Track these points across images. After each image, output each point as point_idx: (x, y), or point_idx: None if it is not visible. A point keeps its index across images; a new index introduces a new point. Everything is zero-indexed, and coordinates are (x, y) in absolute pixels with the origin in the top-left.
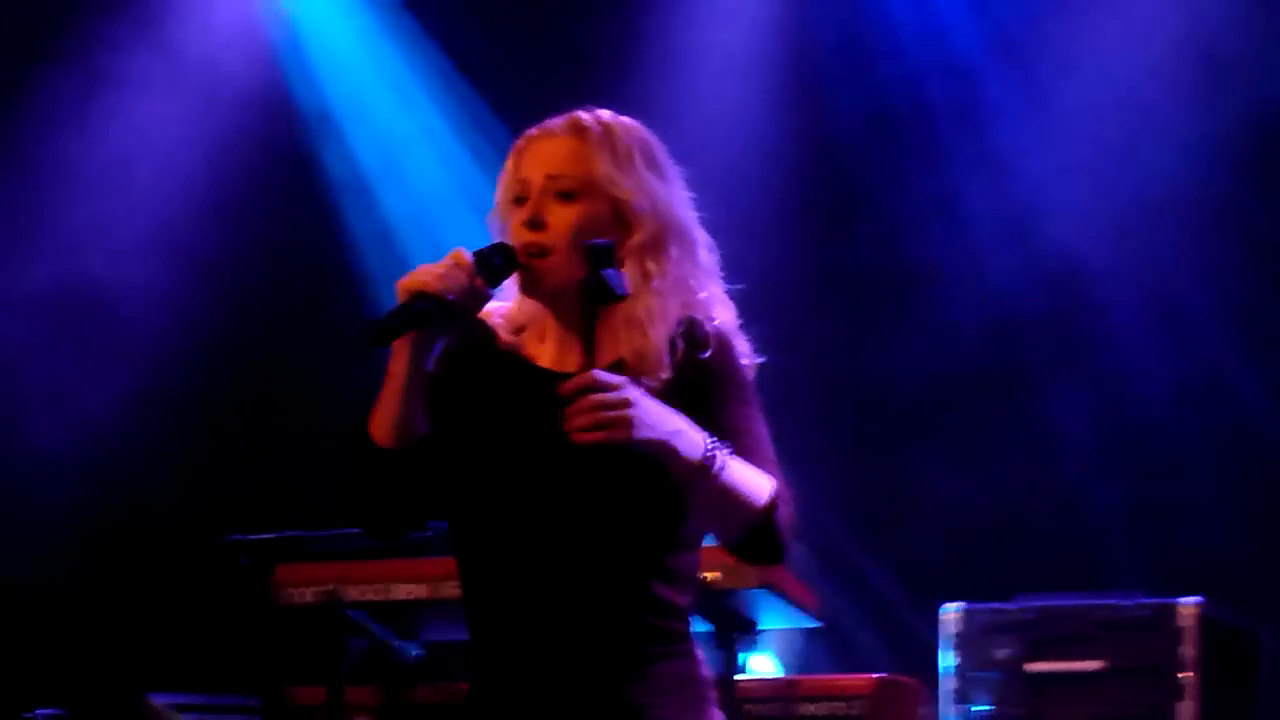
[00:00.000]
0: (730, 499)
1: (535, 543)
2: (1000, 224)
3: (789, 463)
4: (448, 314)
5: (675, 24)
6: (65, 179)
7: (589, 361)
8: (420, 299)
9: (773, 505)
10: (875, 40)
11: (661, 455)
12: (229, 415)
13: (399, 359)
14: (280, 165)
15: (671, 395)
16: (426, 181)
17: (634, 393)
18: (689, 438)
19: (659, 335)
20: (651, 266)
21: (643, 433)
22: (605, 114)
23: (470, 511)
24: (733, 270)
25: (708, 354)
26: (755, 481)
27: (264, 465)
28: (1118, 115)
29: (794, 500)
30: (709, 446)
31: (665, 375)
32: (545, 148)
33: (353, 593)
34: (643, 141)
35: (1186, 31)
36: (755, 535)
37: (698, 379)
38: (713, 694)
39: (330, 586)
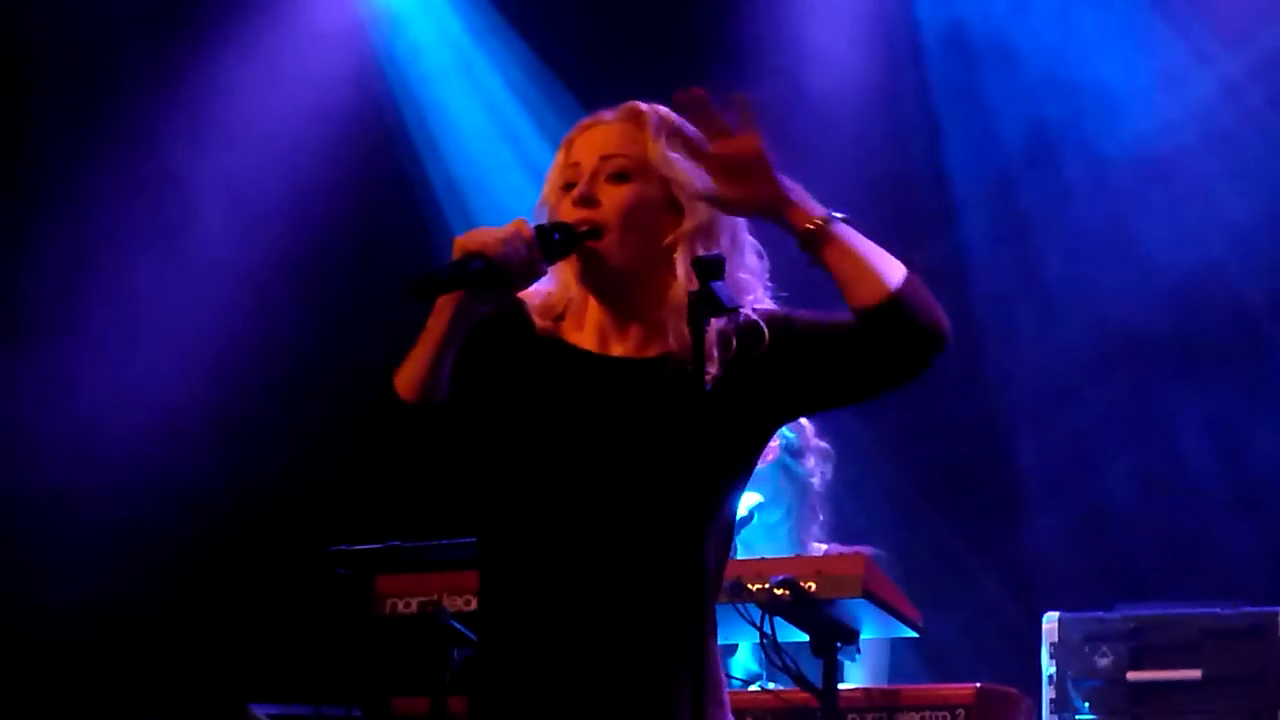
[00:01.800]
0: (865, 256)
1: (574, 540)
2: (1111, 235)
3: (897, 462)
4: (500, 280)
5: (771, 22)
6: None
7: (637, 353)
8: (477, 259)
9: (909, 274)
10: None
11: (787, 205)
12: (331, 423)
13: (440, 315)
14: (373, 164)
15: (722, 390)
16: (511, 184)
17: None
18: (808, 198)
19: (710, 329)
20: (702, 254)
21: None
22: (661, 107)
23: (502, 503)
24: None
25: (761, 350)
26: (885, 254)
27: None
28: (1235, 130)
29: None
30: (830, 212)
31: (714, 371)
32: (598, 133)
33: (456, 602)
34: (697, 135)
35: None
36: (907, 292)
37: (757, 374)
38: (727, 696)
39: (433, 596)
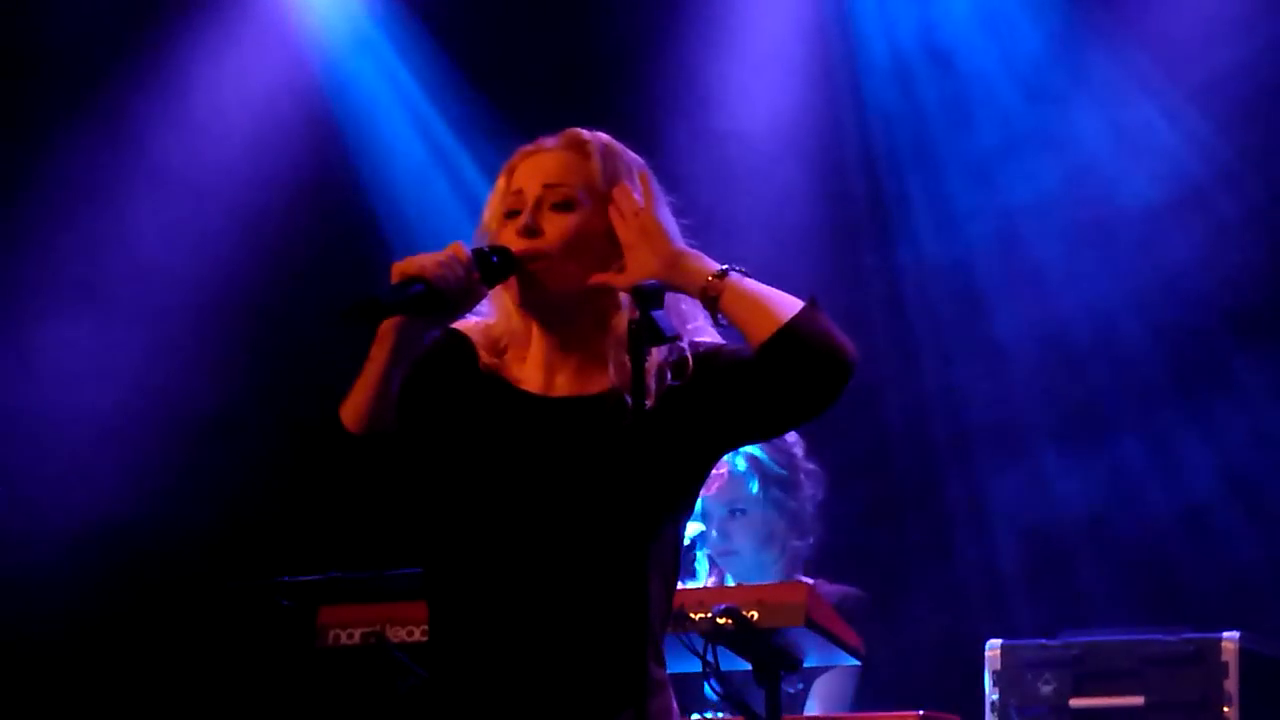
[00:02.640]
0: (760, 297)
1: (521, 578)
2: (1058, 262)
3: (840, 490)
4: (440, 304)
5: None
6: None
7: (579, 388)
8: (416, 283)
9: (810, 303)
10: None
11: (682, 269)
12: (273, 452)
13: (383, 344)
14: (312, 192)
15: (656, 423)
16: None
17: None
18: (703, 258)
19: (650, 361)
20: (643, 283)
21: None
22: (603, 135)
23: (448, 540)
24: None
25: (685, 380)
26: (782, 295)
27: (309, 504)
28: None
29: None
30: (725, 266)
31: (649, 404)
32: (542, 160)
33: (400, 633)
34: (639, 163)
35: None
36: (800, 324)
37: (686, 406)
38: None
39: (376, 628)
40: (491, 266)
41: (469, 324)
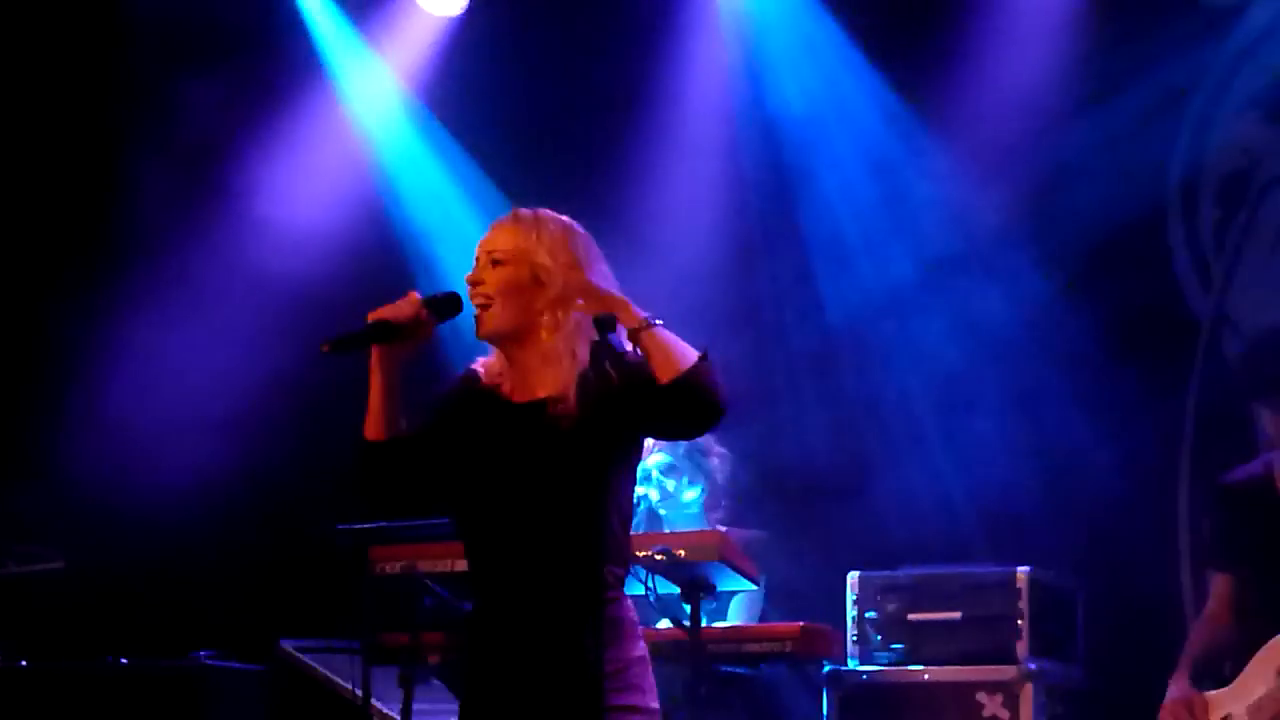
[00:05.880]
0: (669, 347)
1: (510, 526)
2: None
3: (760, 469)
4: (393, 333)
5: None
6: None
7: (532, 393)
8: (374, 324)
9: (704, 356)
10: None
11: (619, 311)
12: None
13: (373, 370)
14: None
15: (586, 420)
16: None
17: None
18: (631, 305)
19: (569, 371)
20: (560, 315)
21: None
22: (544, 210)
23: (464, 504)
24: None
25: (612, 386)
26: (685, 348)
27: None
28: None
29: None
30: (650, 315)
31: (573, 411)
32: (491, 233)
33: (425, 565)
34: (565, 227)
35: None
36: (693, 375)
37: (608, 404)
38: (639, 631)
39: (410, 561)
40: (437, 303)
41: (483, 361)
